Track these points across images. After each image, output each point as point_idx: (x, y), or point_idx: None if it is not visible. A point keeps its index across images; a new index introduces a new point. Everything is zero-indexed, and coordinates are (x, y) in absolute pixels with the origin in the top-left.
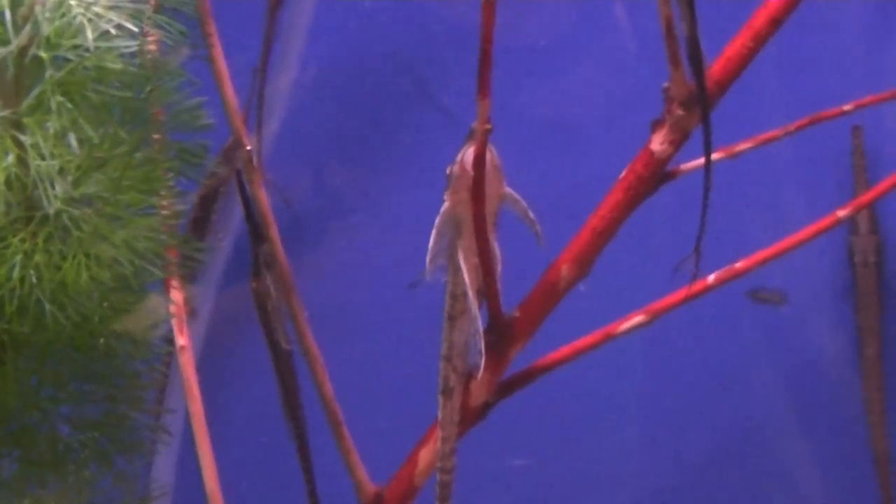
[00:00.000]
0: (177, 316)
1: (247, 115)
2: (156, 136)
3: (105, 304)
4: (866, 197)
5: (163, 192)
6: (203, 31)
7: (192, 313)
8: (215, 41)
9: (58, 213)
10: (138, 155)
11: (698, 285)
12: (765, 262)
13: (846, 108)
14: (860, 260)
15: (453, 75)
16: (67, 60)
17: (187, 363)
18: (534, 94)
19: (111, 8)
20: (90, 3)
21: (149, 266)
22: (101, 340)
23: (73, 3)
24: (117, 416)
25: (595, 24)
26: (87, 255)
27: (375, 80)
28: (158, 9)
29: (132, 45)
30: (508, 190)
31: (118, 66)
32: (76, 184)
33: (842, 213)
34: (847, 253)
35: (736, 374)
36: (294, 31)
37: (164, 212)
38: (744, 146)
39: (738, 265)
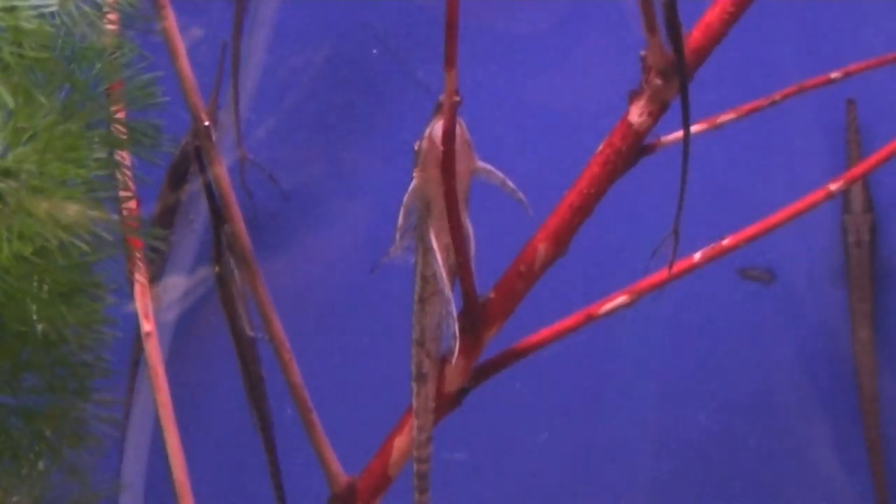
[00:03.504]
0: (141, 301)
1: (218, 91)
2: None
3: (45, 288)
4: (857, 169)
5: (91, 164)
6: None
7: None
8: (168, 13)
9: None
10: (65, 126)
11: (683, 264)
12: (753, 238)
13: (833, 75)
14: (853, 240)
15: (430, 48)
16: None
17: (153, 350)
18: (531, 80)
19: None
20: None
21: (77, 241)
22: (40, 327)
23: None
24: (61, 408)
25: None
26: (10, 230)
27: (349, 54)
28: None
29: (51, 3)
30: (481, 163)
31: (32, 25)
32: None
33: (833, 186)
34: (840, 232)
35: (724, 357)
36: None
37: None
38: (726, 117)
39: (725, 242)
